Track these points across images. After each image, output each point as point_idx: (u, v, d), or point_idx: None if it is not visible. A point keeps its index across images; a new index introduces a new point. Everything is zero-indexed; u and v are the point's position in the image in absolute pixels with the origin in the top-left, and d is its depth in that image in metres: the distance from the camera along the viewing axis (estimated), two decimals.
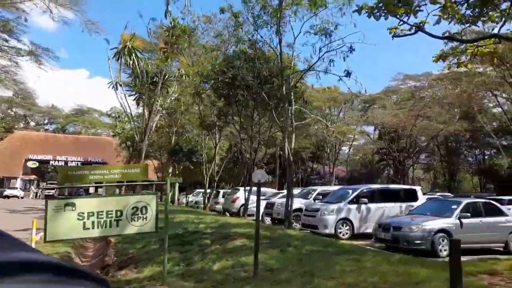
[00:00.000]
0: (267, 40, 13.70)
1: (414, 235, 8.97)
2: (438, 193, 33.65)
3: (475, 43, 10.18)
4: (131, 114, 21.97)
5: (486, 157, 46.13)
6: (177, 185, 30.38)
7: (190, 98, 20.30)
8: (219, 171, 26.10)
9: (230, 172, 61.39)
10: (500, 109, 31.79)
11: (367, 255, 7.87)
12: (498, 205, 10.56)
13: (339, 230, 12.15)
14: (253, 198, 19.24)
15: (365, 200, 12.53)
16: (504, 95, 28.13)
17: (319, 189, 16.01)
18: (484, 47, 10.46)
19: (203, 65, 17.07)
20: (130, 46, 20.13)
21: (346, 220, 12.29)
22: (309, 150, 48.47)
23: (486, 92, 27.35)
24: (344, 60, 12.71)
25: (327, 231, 12.03)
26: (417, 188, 13.87)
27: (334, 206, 12.38)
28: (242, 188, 19.70)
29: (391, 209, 12.64)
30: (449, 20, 10.47)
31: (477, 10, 10.14)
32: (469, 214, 9.34)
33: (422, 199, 13.41)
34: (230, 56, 15.28)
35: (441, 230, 9.08)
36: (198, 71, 16.86)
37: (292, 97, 13.29)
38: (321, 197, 14.87)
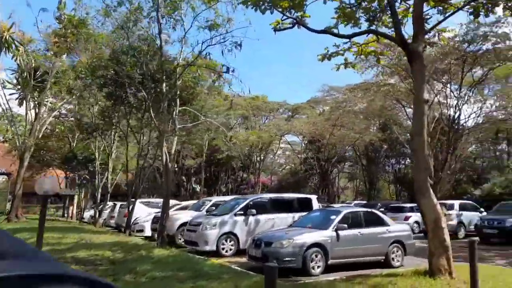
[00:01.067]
0: (148, 32, 12.19)
1: (284, 251, 7.88)
2: (355, 202, 34.24)
3: (359, 43, 9.59)
4: (11, 115, 18.94)
5: (401, 166, 48.62)
6: (75, 197, 27.39)
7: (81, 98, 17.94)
8: (134, 181, 23.70)
9: (153, 183, 57.98)
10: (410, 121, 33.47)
11: (219, 280, 6.54)
12: (381, 214, 9.97)
13: (222, 246, 10.81)
14: (150, 211, 17.40)
15: (253, 211, 11.37)
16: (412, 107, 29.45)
17: (214, 199, 14.63)
18: (368, 46, 9.93)
19: (94, 61, 14.99)
20: (7, 37, 17.33)
21: (230, 235, 11.00)
22: (238, 159, 47.33)
23: (396, 104, 28.35)
24: (223, 54, 11.67)
25: (207, 248, 10.64)
26: (312, 197, 13.09)
27: (216, 219, 11.04)
28: (138, 201, 17.68)
29: (283, 220, 11.61)
30: (346, 23, 9.85)
31: (371, 14, 9.58)
32: (346, 226, 8.49)
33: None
34: (116, 50, 13.46)
35: (315, 245, 8.11)
36: (87, 66, 14.74)
37: (177, 96, 11.87)
38: (214, 208, 13.49)
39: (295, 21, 8.68)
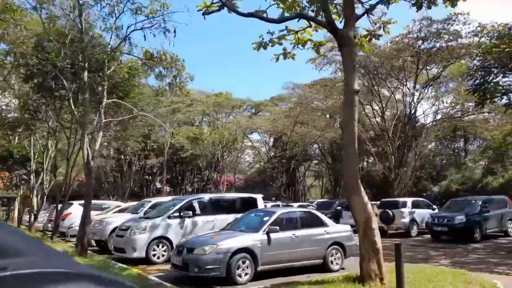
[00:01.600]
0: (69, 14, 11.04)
1: (206, 258, 7.06)
2: (319, 200, 33.84)
3: (294, 30, 8.92)
4: None
5: (365, 163, 49.07)
6: (17, 199, 25.45)
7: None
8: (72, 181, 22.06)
9: (114, 184, 55.65)
10: (376, 119, 33.70)
11: None
12: (319, 215, 9.35)
13: (152, 253, 9.85)
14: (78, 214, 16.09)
15: (189, 213, 10.49)
16: (376, 107, 29.35)
17: (154, 200, 13.61)
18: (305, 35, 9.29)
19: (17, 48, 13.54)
20: None
21: (163, 239, 10.06)
22: (204, 158, 46.02)
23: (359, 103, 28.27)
24: (145, 39, 10.67)
25: (135, 254, 9.66)
26: (258, 196, 12.34)
27: (147, 223, 10.07)
28: (77, 203, 16.34)
29: (224, 222, 10.75)
30: (291, 12, 9.12)
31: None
32: (278, 228, 7.79)
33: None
34: (39, 36, 12.15)
35: (242, 250, 7.34)
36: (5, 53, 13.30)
37: (105, 87, 10.79)
38: (151, 210, 12.48)
39: (222, 3, 7.90)
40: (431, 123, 39.26)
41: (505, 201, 16.22)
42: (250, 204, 11.79)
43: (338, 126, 44.91)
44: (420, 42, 22.67)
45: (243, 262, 7.30)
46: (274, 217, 8.06)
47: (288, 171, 60.87)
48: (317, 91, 26.53)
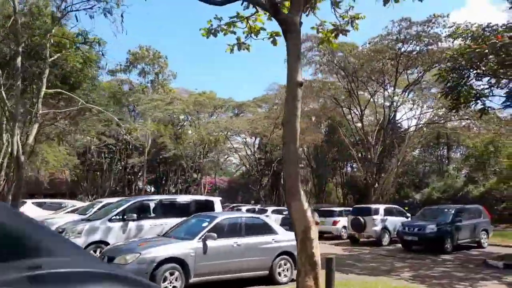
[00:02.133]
0: None
1: (127, 268, 6.19)
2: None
3: (243, 16, 8.16)
4: None
5: (348, 169, 48.69)
6: None
7: None
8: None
9: (94, 182, 54.20)
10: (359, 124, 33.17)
11: None
12: (268, 221, 8.58)
13: None
14: (44, 213, 15.06)
15: (134, 216, 9.62)
16: (356, 111, 28.81)
17: (106, 201, 12.71)
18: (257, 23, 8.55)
19: None
20: None
21: (101, 244, 9.16)
22: (187, 159, 44.94)
23: (335, 104, 27.67)
24: (77, 19, 9.86)
25: None
26: (215, 200, 11.54)
27: (83, 226, 9.18)
28: (30, 201, 15.31)
29: None
30: None
31: None
32: (215, 235, 6.98)
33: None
34: None
35: (171, 259, 6.51)
36: None
37: (44, 75, 9.90)
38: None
39: None
40: (413, 130, 38.99)
41: (480, 211, 15.67)
42: (206, 208, 10.99)
43: (324, 131, 44.57)
44: (400, 44, 22.18)
45: (171, 274, 6.47)
46: (213, 223, 7.26)
47: (272, 175, 60.22)
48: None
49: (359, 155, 43.94)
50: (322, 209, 19.65)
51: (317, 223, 5.88)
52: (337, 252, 13.83)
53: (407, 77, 24.43)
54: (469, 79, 12.56)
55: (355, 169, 47.38)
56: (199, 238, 6.91)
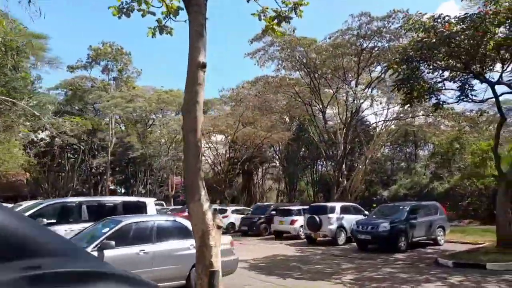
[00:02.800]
0: None
1: None
2: (258, 204, 32.14)
3: None
4: None
5: (318, 167, 48.50)
6: None
7: None
8: None
9: (56, 183, 51.88)
10: (330, 122, 32.80)
11: None
12: (187, 223, 7.67)
13: None
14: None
15: (44, 220, 8.52)
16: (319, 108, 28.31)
17: (26, 204, 11.49)
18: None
19: None
20: None
21: None
22: (157, 159, 43.32)
23: (299, 101, 27.09)
24: None
25: None
26: (148, 201, 10.56)
27: None
28: None
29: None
30: None
31: None
32: (113, 243, 6.02)
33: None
34: None
35: None
36: None
37: None
38: None
39: None
40: (380, 127, 39.04)
41: (436, 208, 15.31)
42: (137, 210, 10.01)
43: (294, 129, 44.11)
44: (361, 40, 21.77)
45: None
46: (115, 228, 6.30)
47: (244, 173, 59.39)
48: (257, 89, 25.04)
49: (331, 153, 43.94)
50: (281, 208, 18.95)
51: (219, 227, 5.03)
52: (288, 253, 13.13)
53: (370, 73, 24.09)
54: (421, 72, 12.08)
55: (324, 168, 47.25)
56: (94, 247, 5.94)
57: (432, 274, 9.28)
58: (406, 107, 14.91)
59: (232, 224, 21.34)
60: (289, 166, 48.11)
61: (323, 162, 47.31)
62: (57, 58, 40.79)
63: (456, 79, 12.57)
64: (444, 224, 14.97)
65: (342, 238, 15.31)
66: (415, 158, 42.53)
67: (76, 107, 49.51)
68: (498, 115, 13.38)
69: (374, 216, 14.69)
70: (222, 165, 35.32)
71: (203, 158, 42.93)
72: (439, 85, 12.84)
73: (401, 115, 27.93)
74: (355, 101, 22.61)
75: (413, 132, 40.98)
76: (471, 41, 10.18)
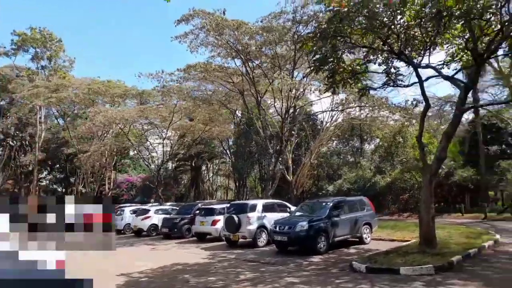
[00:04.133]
0: None
1: None
2: (187, 203, 30.05)
3: None
4: None
5: (265, 163, 47.12)
6: None
7: None
8: None
9: None
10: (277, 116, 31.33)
11: None
12: None
13: None
14: None
15: None
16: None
17: None
18: None
19: None
20: None
21: None
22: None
23: (239, 93, 25.30)
24: None
25: None
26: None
27: None
28: None
29: None
30: None
31: None
32: None
33: None
34: None
35: None
36: None
37: None
38: None
39: None
40: (326, 120, 38.34)
41: (363, 203, 14.15)
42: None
43: (238, 122, 42.35)
44: (297, 25, 20.35)
45: None
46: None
47: (192, 170, 56.90)
48: (192, 77, 22.90)
49: (278, 148, 42.79)
50: (203, 207, 17.12)
51: None
52: (192, 261, 11.33)
53: (308, 62, 22.73)
54: (340, 51, 10.68)
55: (271, 163, 46.08)
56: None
57: (338, 283, 7.88)
58: (329, 93, 13.60)
59: (155, 226, 19.26)
60: (238, 161, 46.50)
61: (271, 158, 46.22)
62: None
63: (379, 60, 11.34)
64: (371, 221, 13.85)
65: (262, 240, 13.77)
66: (361, 152, 42.37)
67: (3, 100, 44.77)
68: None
69: (296, 214, 13.26)
70: (160, 161, 32.83)
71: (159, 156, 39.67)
72: (362, 67, 11.57)
73: (341, 106, 26.88)
74: (293, 91, 21.20)
75: (359, 126, 40.71)
76: (389, 11, 8.87)
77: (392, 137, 35.25)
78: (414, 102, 16.22)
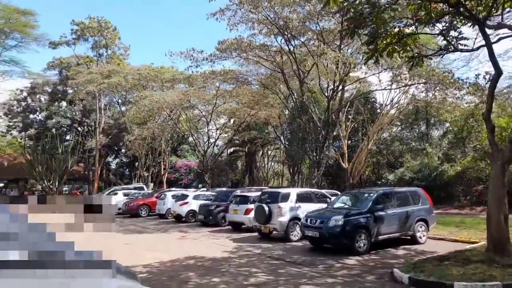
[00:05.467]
0: None
1: None
2: (224, 189, 28.96)
3: None
4: None
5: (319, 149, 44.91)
6: None
7: None
8: None
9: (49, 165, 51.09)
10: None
11: None
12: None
13: None
14: None
15: None
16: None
17: None
18: None
19: None
20: None
21: None
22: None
23: (279, 72, 23.46)
24: None
25: None
26: None
27: None
28: None
29: None
30: None
31: None
32: None
33: None
34: None
35: None
36: None
37: None
38: None
39: None
40: (385, 103, 35.07)
41: (417, 195, 11.85)
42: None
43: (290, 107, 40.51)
44: None
45: None
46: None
47: (246, 156, 56.49)
48: (227, 55, 21.38)
49: (335, 133, 40.22)
50: (238, 194, 15.91)
51: None
52: (211, 254, 10.16)
53: (359, 36, 20.15)
54: (378, 6, 8.54)
55: (325, 151, 43.54)
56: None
57: None
58: (371, 64, 11.38)
59: (193, 212, 18.55)
60: (292, 147, 44.84)
61: (325, 144, 43.73)
62: (44, 34, 38.75)
63: (434, 20, 8.97)
64: (427, 217, 11.54)
65: (296, 233, 12.18)
66: (427, 138, 38.21)
67: (70, 88, 47.68)
68: None
69: (333, 206, 11.44)
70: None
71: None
72: (411, 29, 9.30)
73: (395, 84, 23.61)
74: (340, 66, 18.88)
75: (425, 109, 36.72)
76: None
77: (464, 120, 31.07)
78: (487, 76, 13.30)
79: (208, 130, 27.87)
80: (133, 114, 27.81)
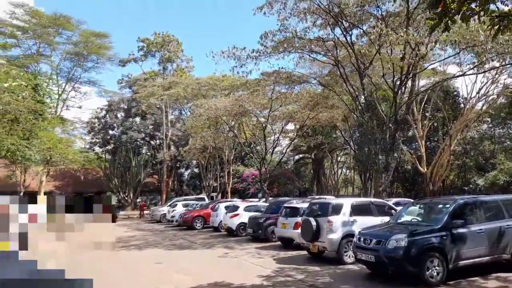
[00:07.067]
0: None
1: None
2: (279, 199, 26.64)
3: None
4: None
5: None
6: None
7: None
8: None
9: (123, 178, 53.84)
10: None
11: None
12: None
13: None
14: None
15: None
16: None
17: None
18: None
19: None
20: None
21: None
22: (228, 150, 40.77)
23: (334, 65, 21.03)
24: None
25: None
26: None
27: None
28: None
29: None
30: None
31: None
32: None
33: None
34: None
35: None
36: None
37: None
38: None
39: None
40: (469, 96, 30.57)
41: None
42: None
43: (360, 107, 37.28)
44: None
45: None
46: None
47: (313, 163, 54.00)
48: (272, 51, 19.49)
49: (410, 134, 36.11)
50: (287, 205, 13.97)
51: None
52: (239, 281, 8.46)
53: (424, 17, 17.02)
54: None
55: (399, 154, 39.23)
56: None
57: None
58: (440, 33, 8.76)
59: (244, 224, 17.03)
60: (361, 152, 41.43)
61: (398, 148, 39.45)
62: (116, 54, 41.18)
63: None
64: None
65: (351, 254, 9.91)
66: None
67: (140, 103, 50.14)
68: None
69: (396, 221, 9.01)
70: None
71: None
72: None
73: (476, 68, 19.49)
74: (406, 51, 16.01)
75: None
76: None
77: None
78: None
79: (264, 135, 26.30)
80: (191, 123, 27.49)
